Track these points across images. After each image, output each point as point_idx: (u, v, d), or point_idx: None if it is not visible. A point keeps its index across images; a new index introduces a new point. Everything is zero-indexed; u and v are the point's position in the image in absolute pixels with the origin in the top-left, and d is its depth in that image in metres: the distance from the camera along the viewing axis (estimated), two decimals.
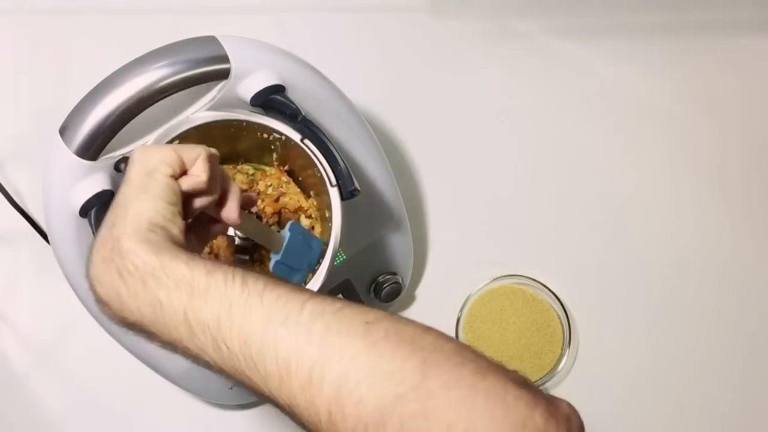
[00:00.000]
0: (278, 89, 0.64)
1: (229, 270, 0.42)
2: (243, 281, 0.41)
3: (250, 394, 0.41)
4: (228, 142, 0.66)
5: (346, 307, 0.40)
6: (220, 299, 0.41)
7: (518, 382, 0.37)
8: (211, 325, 0.40)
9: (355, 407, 0.36)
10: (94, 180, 0.61)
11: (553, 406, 0.37)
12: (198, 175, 0.49)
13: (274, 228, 0.70)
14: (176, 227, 0.46)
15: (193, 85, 0.62)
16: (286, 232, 0.60)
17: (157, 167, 0.47)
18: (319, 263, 0.63)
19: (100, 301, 0.45)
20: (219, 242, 0.69)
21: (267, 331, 0.39)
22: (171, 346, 0.43)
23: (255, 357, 0.39)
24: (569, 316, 0.80)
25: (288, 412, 0.39)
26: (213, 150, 0.50)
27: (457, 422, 0.35)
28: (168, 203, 0.46)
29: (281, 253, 0.59)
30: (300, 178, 0.70)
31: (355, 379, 0.36)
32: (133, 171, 0.48)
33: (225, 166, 0.70)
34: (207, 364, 0.42)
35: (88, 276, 0.45)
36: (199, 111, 0.63)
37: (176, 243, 0.45)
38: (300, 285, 0.51)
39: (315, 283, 0.62)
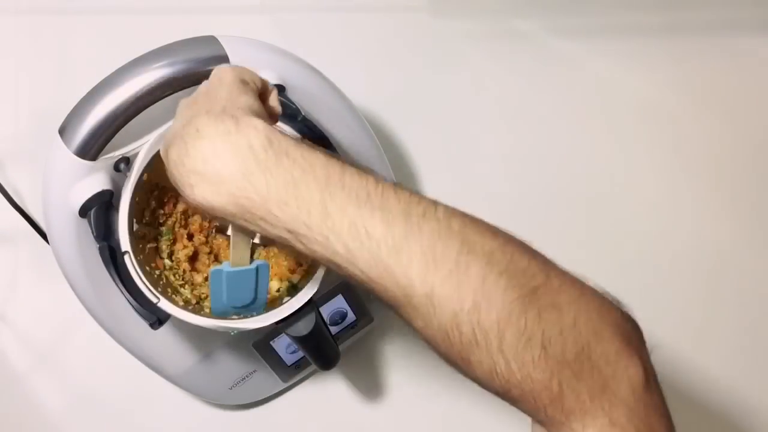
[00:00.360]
0: (278, 89, 0.64)
1: (357, 165, 0.43)
2: (375, 177, 0.42)
3: (371, 291, 0.42)
4: None
5: (466, 213, 0.43)
6: (357, 188, 0.41)
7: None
8: (350, 209, 0.40)
9: (501, 295, 0.39)
10: (93, 180, 0.61)
11: (626, 312, 0.45)
12: (275, 107, 0.51)
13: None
14: None
15: (193, 85, 0.62)
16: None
17: (253, 80, 0.48)
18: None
19: (211, 183, 0.42)
20: (219, 242, 0.69)
21: (409, 221, 0.40)
22: (288, 229, 0.42)
23: (398, 243, 0.40)
24: None
25: (423, 305, 0.40)
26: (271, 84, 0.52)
27: (578, 316, 0.40)
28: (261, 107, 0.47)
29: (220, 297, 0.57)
30: None
31: (497, 270, 0.40)
32: (228, 77, 0.47)
33: None
34: (333, 253, 0.41)
35: (192, 152, 0.43)
36: None
37: None
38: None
39: (315, 283, 0.62)
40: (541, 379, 0.40)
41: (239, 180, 0.42)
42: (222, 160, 0.42)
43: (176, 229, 0.68)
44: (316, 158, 0.42)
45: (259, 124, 0.43)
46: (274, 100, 0.51)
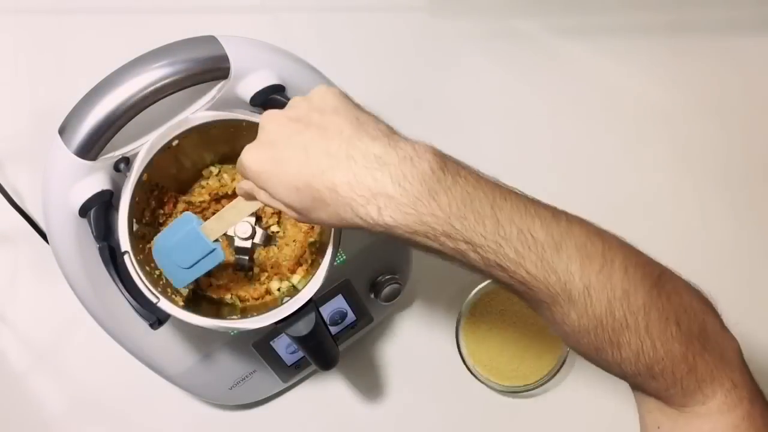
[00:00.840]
0: (278, 89, 0.64)
1: (504, 184, 0.49)
2: (521, 192, 0.49)
3: (522, 293, 0.48)
4: (228, 142, 0.66)
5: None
6: (513, 198, 0.48)
7: None
8: (516, 219, 0.46)
9: (641, 283, 0.47)
10: (93, 180, 0.61)
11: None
12: None
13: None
14: None
15: (193, 85, 0.62)
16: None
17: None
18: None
19: (399, 203, 0.46)
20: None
21: (560, 226, 0.47)
22: (466, 240, 0.46)
23: (559, 243, 0.46)
24: None
25: (582, 296, 0.46)
26: None
27: (691, 299, 0.49)
28: None
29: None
30: None
31: (633, 262, 0.48)
32: (345, 99, 0.51)
33: (225, 166, 0.70)
34: (503, 257, 0.46)
35: (379, 177, 0.46)
36: (199, 111, 0.63)
37: None
38: None
39: (315, 283, 0.62)
40: (679, 352, 0.47)
41: (426, 198, 0.46)
42: (410, 183, 0.46)
43: None
44: (479, 175, 0.49)
45: (430, 147, 0.48)
46: None
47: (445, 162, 0.47)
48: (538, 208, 0.48)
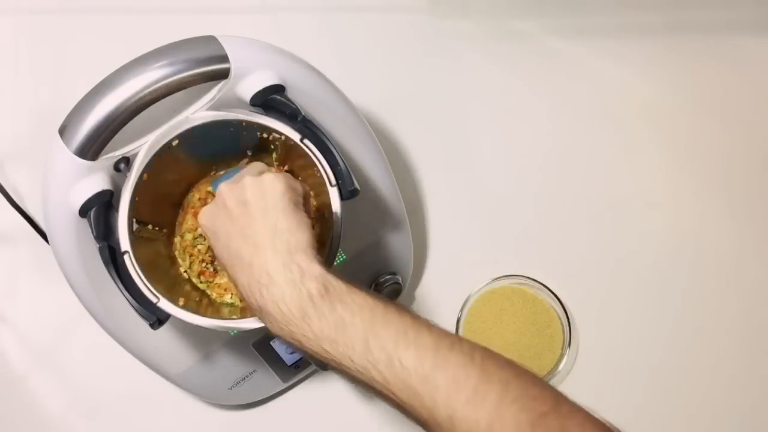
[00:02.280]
0: (278, 89, 0.64)
1: (396, 304, 0.51)
2: (412, 315, 0.50)
3: (398, 408, 0.49)
4: (228, 142, 0.66)
5: (487, 348, 0.50)
6: (396, 325, 0.49)
7: None
8: (388, 345, 0.48)
9: (513, 418, 0.45)
10: (93, 180, 0.61)
11: None
12: (310, 212, 0.60)
13: None
14: None
15: (193, 85, 0.62)
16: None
17: (297, 190, 0.57)
18: None
19: (275, 319, 0.51)
20: None
21: (438, 352, 0.48)
22: (335, 362, 0.50)
23: (428, 372, 0.47)
24: (569, 316, 0.80)
25: (446, 423, 0.47)
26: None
27: None
28: (312, 230, 0.55)
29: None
30: (300, 178, 0.70)
31: (511, 397, 0.46)
32: (278, 191, 0.55)
33: (225, 167, 0.70)
34: (370, 379, 0.49)
35: (265, 294, 0.52)
36: (199, 111, 0.63)
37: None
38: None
39: None
40: None
41: (298, 321, 0.50)
42: (287, 305, 0.51)
43: None
44: (364, 301, 0.51)
45: (318, 271, 0.51)
46: (309, 206, 0.60)
47: (328, 288, 0.51)
48: (421, 337, 0.49)
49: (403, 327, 0.49)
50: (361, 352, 0.49)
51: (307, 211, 0.58)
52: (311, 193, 0.66)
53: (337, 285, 0.51)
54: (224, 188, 0.58)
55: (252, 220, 0.55)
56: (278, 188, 0.56)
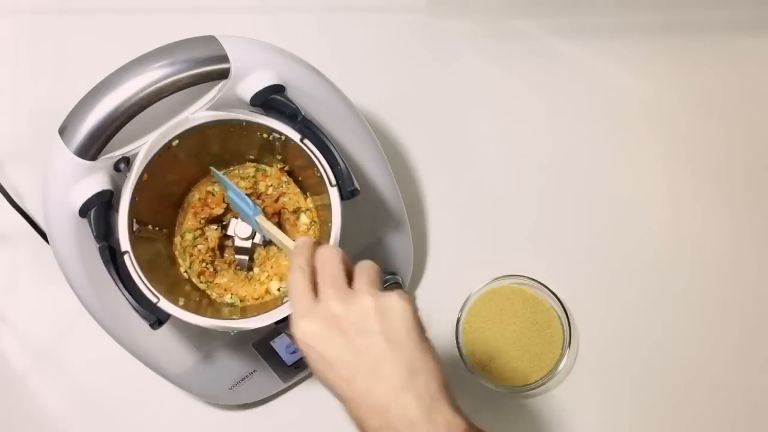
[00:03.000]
0: (278, 89, 0.64)
1: None
2: None
3: None
4: (228, 142, 0.66)
5: None
6: None
7: None
8: None
9: None
10: (93, 180, 0.61)
11: None
12: None
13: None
14: None
15: (193, 85, 0.62)
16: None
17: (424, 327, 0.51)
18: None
19: None
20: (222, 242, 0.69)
21: None
22: None
23: None
24: (569, 316, 0.80)
25: None
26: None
27: None
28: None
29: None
30: (300, 178, 0.70)
31: None
32: (416, 332, 0.49)
33: (225, 167, 0.70)
34: None
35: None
36: (199, 111, 0.63)
37: None
38: None
39: None
40: None
41: None
42: None
43: None
44: None
45: (462, 426, 0.48)
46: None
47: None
48: None
49: None
50: None
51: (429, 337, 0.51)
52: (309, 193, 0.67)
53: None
54: (336, 306, 0.50)
55: (383, 358, 0.48)
56: (409, 316, 0.49)
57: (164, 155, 0.63)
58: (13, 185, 0.82)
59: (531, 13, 0.92)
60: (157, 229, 0.67)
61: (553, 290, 0.80)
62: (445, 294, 0.83)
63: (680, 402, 0.80)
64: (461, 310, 0.81)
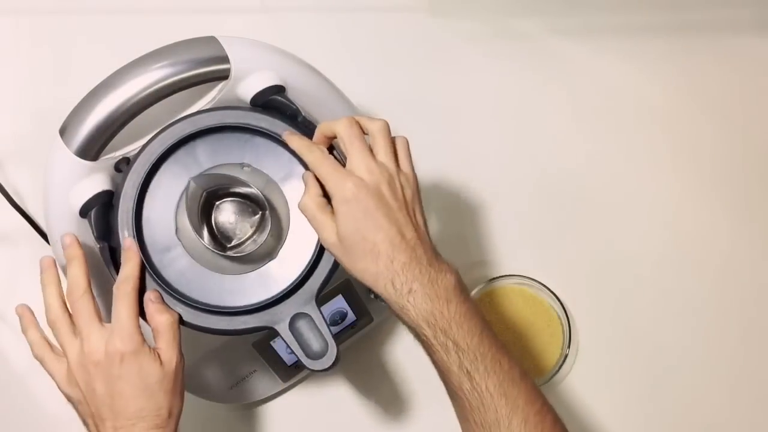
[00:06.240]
0: (278, 89, 0.64)
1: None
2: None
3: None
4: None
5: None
6: (496, 339, 0.59)
7: None
8: (494, 348, 0.58)
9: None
10: (94, 180, 0.61)
11: None
12: None
13: None
14: None
15: (193, 86, 0.62)
16: None
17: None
18: None
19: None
20: None
21: (513, 368, 0.58)
22: (451, 343, 0.57)
23: (515, 375, 0.58)
24: (569, 316, 0.80)
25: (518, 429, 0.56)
26: None
27: None
28: None
29: None
30: None
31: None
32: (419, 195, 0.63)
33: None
34: (469, 366, 0.57)
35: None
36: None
37: None
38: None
39: None
40: None
41: (443, 300, 0.58)
42: (437, 287, 0.58)
43: None
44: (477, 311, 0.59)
45: (455, 271, 0.60)
46: None
47: (461, 287, 0.59)
48: (506, 355, 0.58)
49: (496, 339, 0.58)
50: (476, 343, 0.57)
51: None
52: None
53: (464, 286, 0.60)
54: (371, 162, 0.60)
55: (409, 212, 0.60)
56: (414, 182, 0.62)
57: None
58: (14, 185, 0.82)
59: (531, 13, 0.92)
60: None
61: (553, 290, 0.80)
62: None
63: (680, 401, 0.80)
64: None
